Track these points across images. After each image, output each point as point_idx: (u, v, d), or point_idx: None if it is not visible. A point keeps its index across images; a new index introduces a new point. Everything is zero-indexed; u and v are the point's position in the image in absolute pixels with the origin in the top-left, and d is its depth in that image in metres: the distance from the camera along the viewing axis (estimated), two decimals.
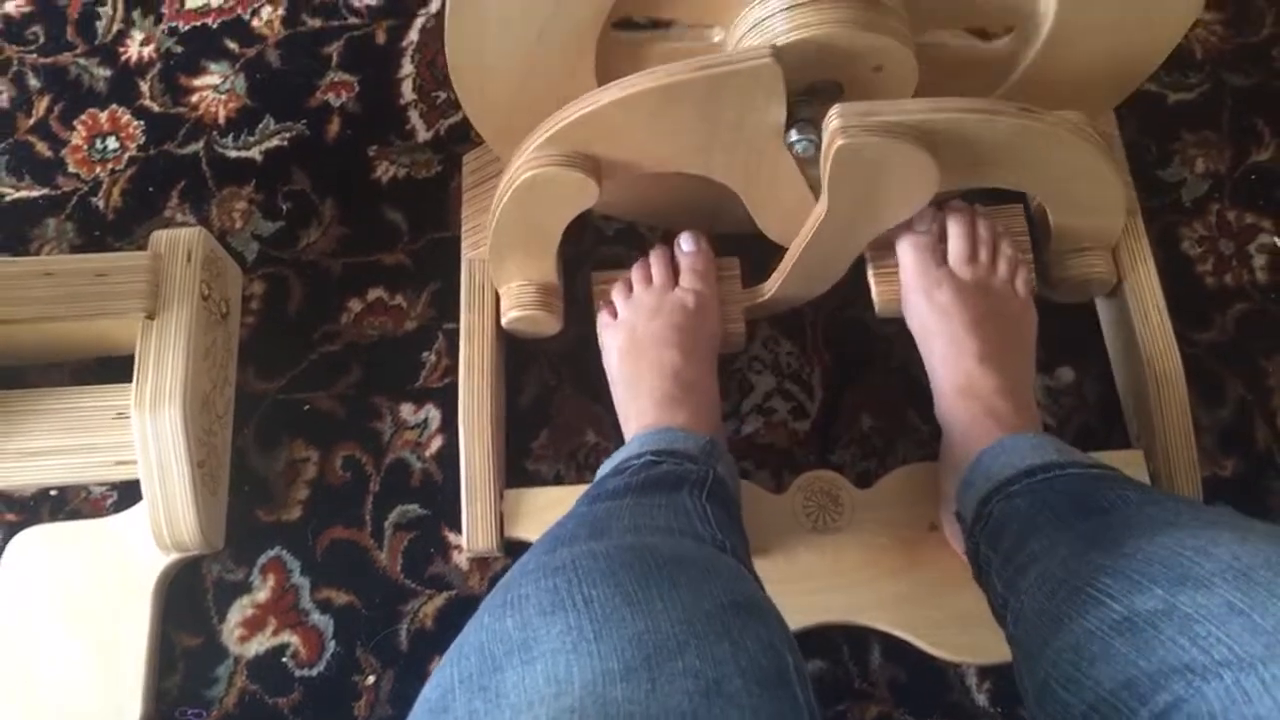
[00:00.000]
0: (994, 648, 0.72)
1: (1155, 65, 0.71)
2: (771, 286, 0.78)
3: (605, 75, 0.67)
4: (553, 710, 0.39)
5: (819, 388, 0.84)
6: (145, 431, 0.76)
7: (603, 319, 0.79)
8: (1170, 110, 0.91)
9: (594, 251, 0.88)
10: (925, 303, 0.73)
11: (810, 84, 0.64)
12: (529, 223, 0.72)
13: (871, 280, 0.78)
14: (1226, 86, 0.91)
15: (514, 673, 0.42)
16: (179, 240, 0.81)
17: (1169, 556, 0.47)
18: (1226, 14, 0.93)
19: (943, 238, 0.75)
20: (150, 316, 0.79)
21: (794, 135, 0.64)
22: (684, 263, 0.79)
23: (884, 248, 0.77)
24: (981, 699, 0.74)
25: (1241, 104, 0.90)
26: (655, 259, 0.79)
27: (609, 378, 0.78)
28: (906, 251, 0.75)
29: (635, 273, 0.79)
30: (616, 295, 0.79)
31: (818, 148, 0.64)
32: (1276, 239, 0.86)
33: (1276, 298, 0.84)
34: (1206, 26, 0.93)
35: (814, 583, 0.75)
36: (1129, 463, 0.76)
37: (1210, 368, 0.82)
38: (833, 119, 0.60)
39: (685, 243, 0.79)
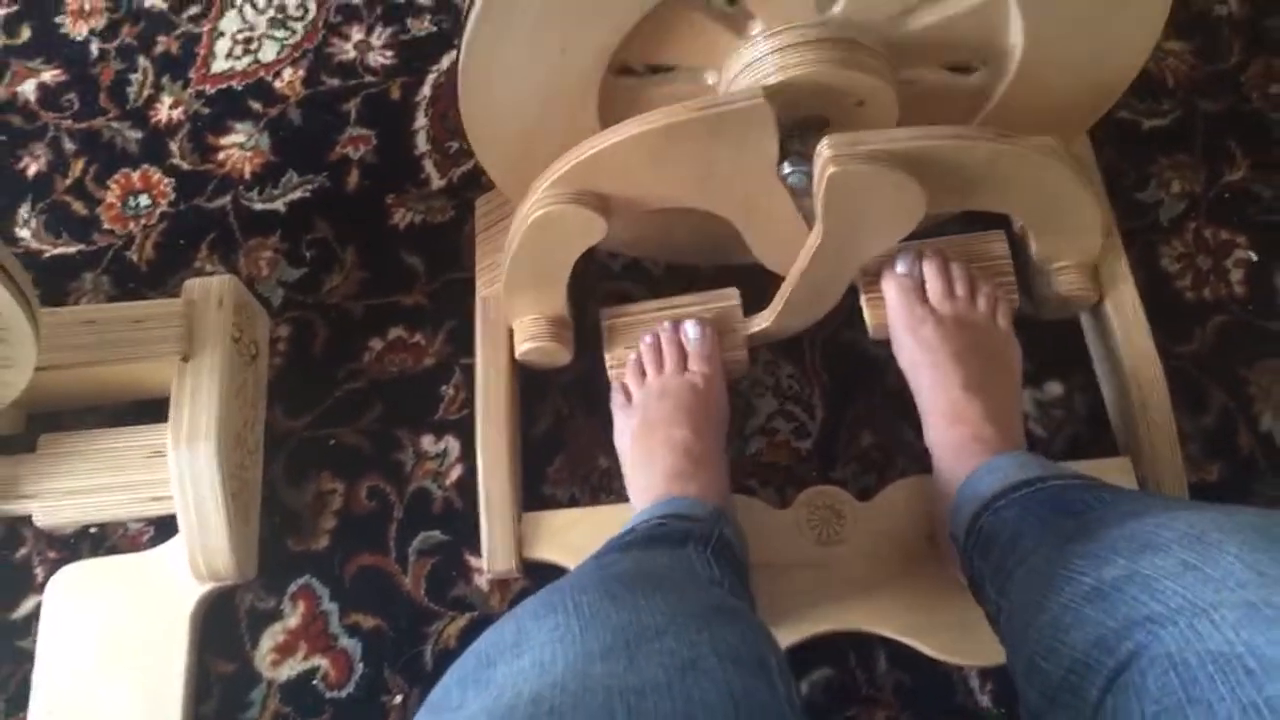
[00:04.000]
0: (995, 650, 0.75)
1: (1119, 92, 0.76)
2: (770, 316, 0.82)
3: (607, 119, 0.71)
4: (536, 686, 0.43)
5: (819, 407, 0.88)
6: (182, 466, 0.80)
7: (617, 399, 0.82)
8: (1145, 136, 0.95)
9: (601, 286, 0.93)
10: (911, 339, 0.78)
11: (800, 119, 0.69)
12: (541, 259, 0.77)
13: (864, 305, 0.83)
14: (1198, 112, 0.96)
15: (505, 666, 0.46)
16: (210, 287, 0.86)
17: (1132, 534, 0.51)
18: (1196, 43, 0.98)
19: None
20: (185, 359, 0.83)
21: (787, 168, 0.69)
22: (691, 349, 0.81)
23: (874, 275, 0.82)
24: (985, 700, 0.77)
25: (1213, 128, 0.95)
26: (665, 343, 0.82)
27: (620, 455, 0.81)
28: (891, 294, 0.80)
29: (646, 354, 0.82)
30: (630, 379, 0.82)
31: (810, 178, 0.68)
32: (1252, 254, 0.90)
33: (1254, 310, 0.88)
34: (1177, 55, 0.98)
35: (820, 593, 0.78)
36: (1118, 469, 0.80)
37: (1193, 378, 0.86)
38: (823, 150, 0.65)
39: (691, 330, 0.82)
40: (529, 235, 0.73)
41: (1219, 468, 0.83)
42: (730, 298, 0.84)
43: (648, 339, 0.83)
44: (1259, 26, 0.99)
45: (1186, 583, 0.45)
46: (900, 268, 0.80)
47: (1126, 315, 0.82)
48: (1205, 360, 0.86)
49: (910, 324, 0.78)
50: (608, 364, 0.84)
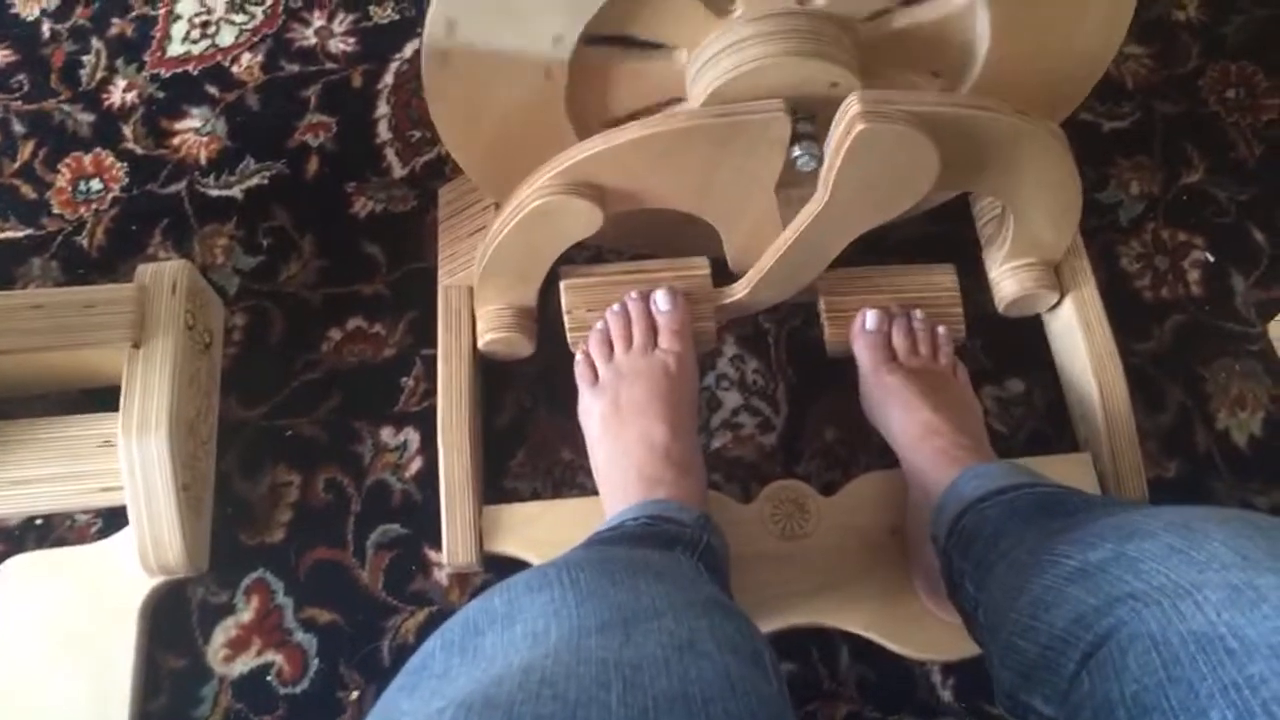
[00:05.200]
0: (957, 645, 0.76)
1: (1085, 92, 0.77)
2: (746, 286, 0.80)
3: (574, 94, 0.70)
4: (527, 657, 0.42)
5: (784, 403, 0.87)
6: (132, 456, 0.78)
7: (582, 373, 0.80)
8: (1105, 137, 0.96)
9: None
10: (878, 390, 0.79)
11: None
12: (529, 247, 0.76)
13: (825, 322, 0.84)
14: (1157, 114, 0.97)
15: (494, 635, 0.45)
16: (164, 272, 0.84)
17: (1120, 523, 0.52)
18: (1155, 48, 1.00)
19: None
20: (136, 346, 0.81)
21: (797, 150, 0.68)
22: (662, 322, 0.79)
23: (837, 293, 0.83)
24: (946, 695, 0.77)
25: (1171, 131, 0.96)
26: (634, 315, 0.79)
27: (588, 439, 0.78)
28: (861, 351, 0.81)
29: (613, 325, 0.80)
30: (595, 353, 0.79)
31: (819, 161, 0.67)
32: (1208, 255, 0.91)
33: (1210, 310, 0.89)
34: (1137, 60, 0.99)
35: (783, 587, 0.78)
36: (1078, 465, 0.81)
37: (1151, 376, 0.87)
38: (853, 104, 0.63)
39: (662, 301, 0.79)
40: (525, 222, 0.72)
41: (1176, 464, 0.84)
42: (701, 267, 0.82)
43: (615, 308, 0.80)
44: (1216, 33, 1.01)
45: (1171, 564, 0.45)
46: (870, 324, 0.81)
47: (1087, 313, 0.83)
48: (1163, 359, 0.87)
49: (877, 377, 0.79)
50: (567, 326, 0.82)
